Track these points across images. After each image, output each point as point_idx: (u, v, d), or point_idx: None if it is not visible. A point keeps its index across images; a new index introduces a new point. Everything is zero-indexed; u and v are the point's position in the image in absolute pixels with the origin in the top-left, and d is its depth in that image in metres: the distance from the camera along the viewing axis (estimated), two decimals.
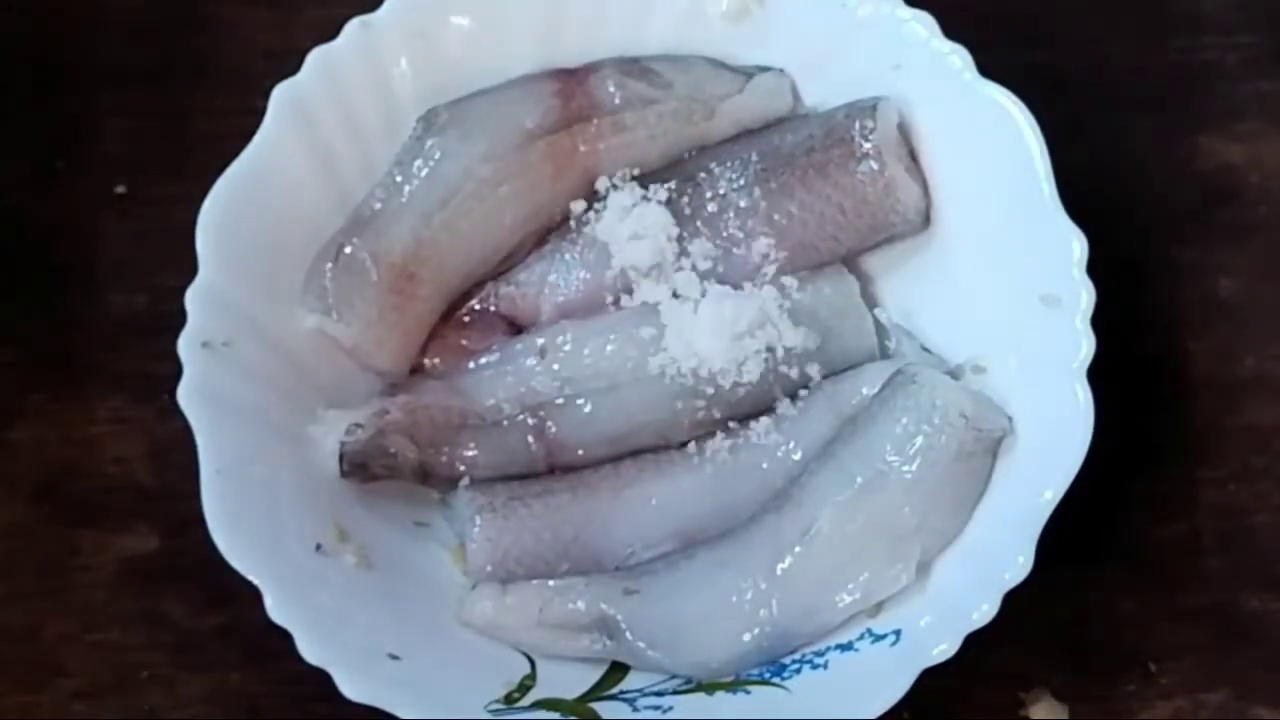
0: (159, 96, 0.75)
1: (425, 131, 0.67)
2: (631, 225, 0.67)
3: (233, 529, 0.61)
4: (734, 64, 0.69)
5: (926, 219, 0.67)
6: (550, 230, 0.69)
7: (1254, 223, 0.73)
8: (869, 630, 0.62)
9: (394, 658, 0.61)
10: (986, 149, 0.65)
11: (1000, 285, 0.65)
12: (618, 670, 0.64)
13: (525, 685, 0.63)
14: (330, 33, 0.67)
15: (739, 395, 0.66)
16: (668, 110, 0.68)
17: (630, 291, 0.67)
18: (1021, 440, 0.63)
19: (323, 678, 0.59)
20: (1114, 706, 0.67)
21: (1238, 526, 0.69)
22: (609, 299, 0.67)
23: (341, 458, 0.64)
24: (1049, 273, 0.63)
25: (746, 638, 0.62)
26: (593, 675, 0.63)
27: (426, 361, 0.68)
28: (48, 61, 0.76)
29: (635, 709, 0.62)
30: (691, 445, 0.66)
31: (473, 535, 0.65)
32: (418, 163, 0.67)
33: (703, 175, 0.67)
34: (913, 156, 0.67)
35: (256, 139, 0.66)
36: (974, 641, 0.60)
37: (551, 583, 0.64)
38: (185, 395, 0.62)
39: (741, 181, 0.67)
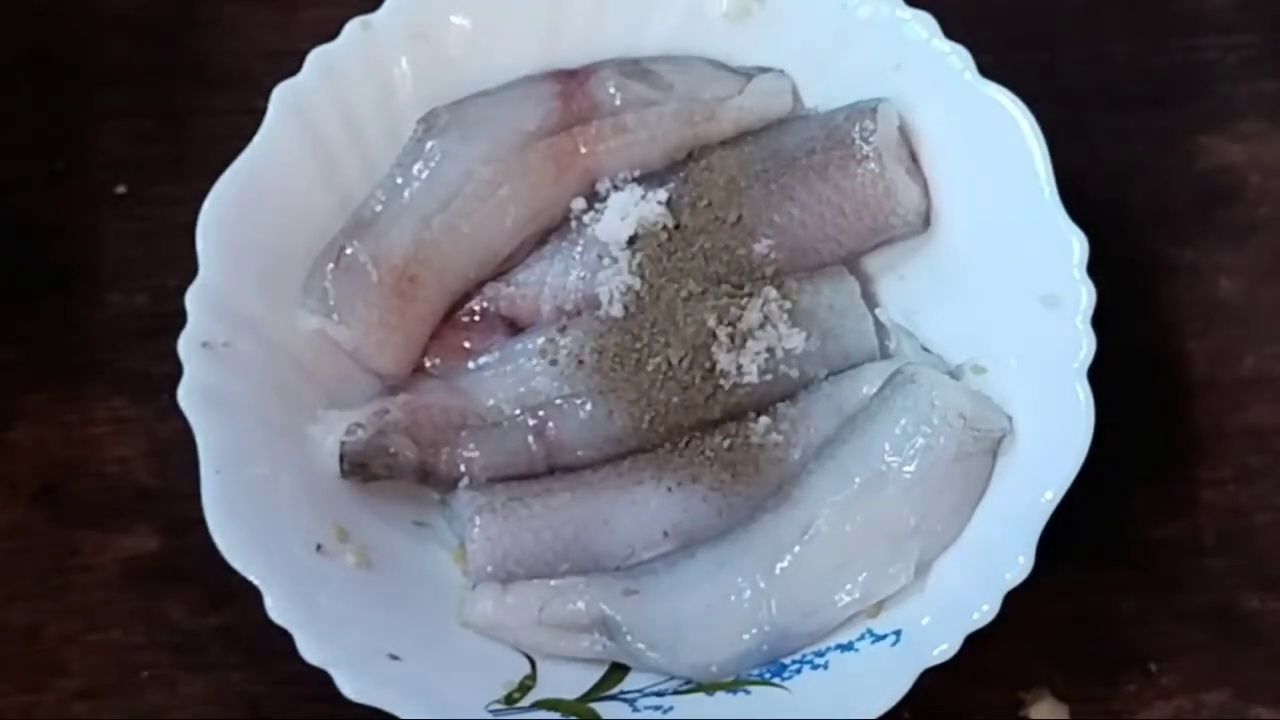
0: (159, 96, 0.75)
1: (426, 133, 0.67)
2: (632, 226, 0.67)
3: (233, 529, 0.61)
4: (734, 65, 0.69)
5: (926, 221, 0.67)
6: (550, 231, 0.69)
7: (1254, 223, 0.74)
8: (869, 630, 0.62)
9: (394, 658, 0.61)
10: (987, 149, 0.65)
11: (1000, 285, 0.65)
12: (618, 670, 0.64)
13: (525, 685, 0.63)
14: (330, 33, 0.67)
15: (739, 395, 0.66)
16: (668, 111, 0.68)
17: (629, 291, 0.67)
18: (1021, 440, 0.63)
19: (323, 678, 0.59)
20: (1114, 706, 0.67)
21: (1238, 526, 0.69)
22: (608, 299, 0.67)
23: (342, 458, 0.64)
24: (1049, 273, 0.63)
25: (746, 638, 0.62)
26: (593, 675, 0.64)
27: (427, 362, 0.68)
28: (48, 61, 0.76)
29: (635, 709, 0.62)
30: (692, 445, 0.66)
31: (473, 536, 0.64)
32: (418, 164, 0.67)
33: (703, 176, 0.67)
34: (913, 157, 0.67)
35: (256, 139, 0.66)
36: (974, 641, 0.60)
37: (552, 583, 0.64)
38: (185, 395, 0.62)
39: (742, 183, 0.67)
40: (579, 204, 0.68)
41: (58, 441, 0.70)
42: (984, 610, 0.60)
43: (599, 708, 0.62)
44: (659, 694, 0.63)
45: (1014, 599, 0.60)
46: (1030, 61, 0.73)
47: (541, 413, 0.66)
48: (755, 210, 0.67)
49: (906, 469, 0.62)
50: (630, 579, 0.64)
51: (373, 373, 0.67)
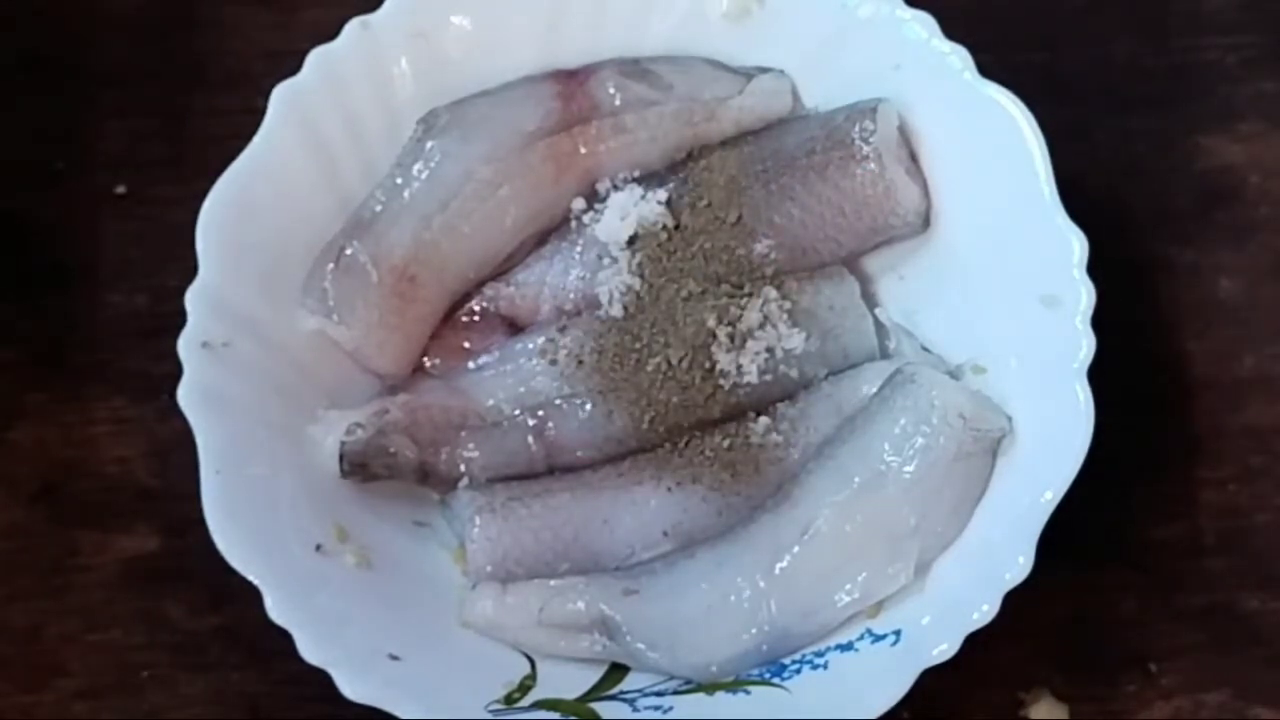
0: (159, 96, 0.76)
1: (426, 133, 0.67)
2: (632, 226, 0.67)
3: (233, 529, 0.61)
4: (734, 65, 0.69)
5: (926, 221, 0.67)
6: (550, 231, 0.69)
7: (1254, 223, 0.74)
8: (869, 630, 0.62)
9: (394, 658, 0.61)
10: (986, 149, 0.65)
11: (1000, 285, 0.65)
12: (618, 670, 0.64)
13: (525, 685, 0.63)
14: (330, 33, 0.68)
15: (739, 395, 0.66)
16: (668, 112, 0.68)
17: (629, 291, 0.67)
18: (1021, 440, 0.63)
19: (323, 678, 0.59)
20: (1114, 706, 0.67)
21: (1238, 526, 0.69)
22: (608, 299, 0.67)
23: (341, 458, 0.64)
24: (1049, 273, 0.63)
25: (746, 638, 0.62)
26: (593, 675, 0.64)
27: (426, 362, 0.68)
28: (48, 61, 0.76)
29: (635, 709, 0.62)
30: (692, 445, 0.66)
31: (472, 536, 0.64)
32: (418, 165, 0.67)
33: (703, 176, 0.67)
34: (913, 157, 0.67)
35: (256, 139, 0.66)
36: (974, 641, 0.60)
37: (552, 583, 0.64)
38: (185, 395, 0.62)
39: (742, 183, 0.67)
40: (579, 204, 0.68)
41: (58, 441, 0.70)
42: (984, 610, 0.60)
43: (599, 708, 0.62)
44: (659, 694, 0.63)
45: (1014, 599, 0.60)
46: (1030, 61, 0.73)
47: (541, 413, 0.66)
48: (755, 210, 0.67)
49: (906, 469, 0.62)
50: (630, 579, 0.64)
51: (373, 373, 0.67)
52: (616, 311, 0.66)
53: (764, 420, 0.66)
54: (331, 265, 0.66)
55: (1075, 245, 0.63)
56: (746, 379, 0.66)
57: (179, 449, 0.63)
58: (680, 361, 0.65)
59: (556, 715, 0.62)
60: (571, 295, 0.68)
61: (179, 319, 0.63)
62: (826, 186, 0.66)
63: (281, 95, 0.66)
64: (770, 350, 0.66)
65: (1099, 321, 0.62)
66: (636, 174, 0.68)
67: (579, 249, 0.68)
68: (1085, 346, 0.62)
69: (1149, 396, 0.71)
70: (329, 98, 0.67)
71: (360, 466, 0.65)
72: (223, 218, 0.65)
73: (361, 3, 0.68)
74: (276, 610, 0.60)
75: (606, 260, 0.67)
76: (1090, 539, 0.68)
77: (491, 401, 0.66)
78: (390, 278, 0.66)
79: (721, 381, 0.65)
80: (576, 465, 0.66)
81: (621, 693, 0.63)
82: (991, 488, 0.63)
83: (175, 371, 0.63)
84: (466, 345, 0.68)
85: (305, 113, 0.67)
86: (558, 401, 0.66)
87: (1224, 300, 0.72)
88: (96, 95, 0.76)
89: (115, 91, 0.76)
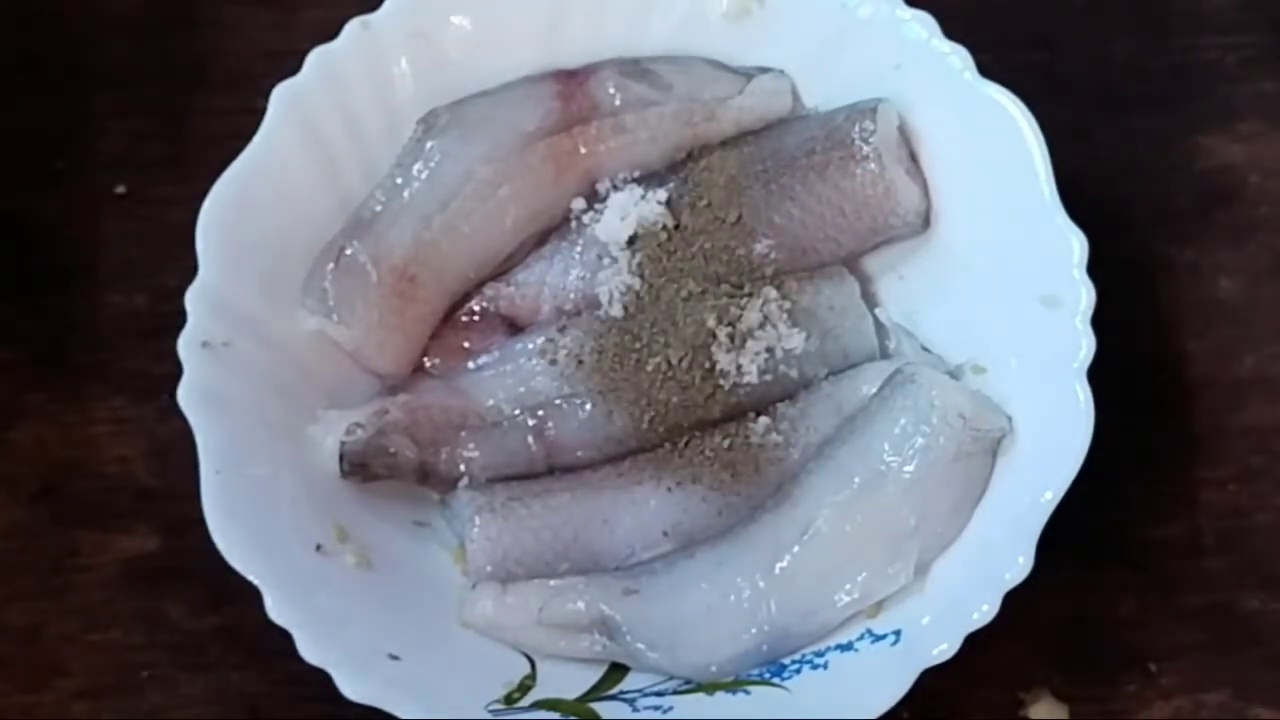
0: (159, 96, 0.76)
1: (425, 133, 0.67)
2: (632, 226, 0.67)
3: (233, 529, 0.61)
4: (734, 65, 0.69)
5: (926, 221, 0.67)
6: (550, 231, 0.69)
7: (1254, 223, 0.74)
8: (869, 630, 0.62)
9: (394, 658, 0.61)
10: (986, 149, 0.65)
11: (1000, 285, 0.65)
12: (618, 670, 0.64)
13: (525, 685, 0.63)
14: (330, 33, 0.68)
15: (739, 395, 0.66)
16: (668, 112, 0.68)
17: (629, 291, 0.67)
18: (1021, 440, 0.63)
19: (323, 678, 0.59)
20: (1114, 706, 0.67)
21: (1238, 526, 0.69)
22: (608, 299, 0.67)
23: (341, 458, 0.64)
24: (1049, 273, 0.63)
25: (745, 638, 0.62)
26: (593, 675, 0.64)
27: (426, 362, 0.68)
28: (48, 61, 0.76)
29: (635, 709, 0.62)
30: (692, 445, 0.66)
31: (472, 536, 0.65)
32: (418, 165, 0.67)
33: (703, 176, 0.67)
34: (913, 157, 0.67)
35: (256, 139, 0.66)
36: (974, 641, 0.60)
37: (551, 583, 0.64)
38: (185, 395, 0.62)
39: (742, 183, 0.67)
40: (579, 204, 0.68)
41: (58, 441, 0.70)
42: (984, 610, 0.60)
43: (599, 708, 0.62)
44: (659, 694, 0.63)
45: (1014, 599, 0.60)
46: (1030, 61, 0.73)
47: (541, 413, 0.66)
48: (755, 210, 0.67)
49: (906, 469, 0.62)
50: (630, 579, 0.64)
51: (373, 373, 0.67)
52: (616, 311, 0.66)
53: (764, 420, 0.66)
54: (331, 265, 0.66)
55: (1075, 245, 0.63)
56: (746, 379, 0.66)
57: (179, 449, 0.63)
58: (680, 361, 0.65)
59: (556, 715, 0.62)
60: (571, 295, 0.68)
61: (179, 319, 0.63)
62: (826, 186, 0.67)
63: (281, 95, 0.66)
64: (770, 350, 0.66)
65: (1099, 321, 0.62)
66: (636, 174, 0.68)
67: (579, 249, 0.68)
68: (1085, 346, 0.62)
69: (1149, 396, 0.71)
70: (329, 98, 0.67)
71: (360, 466, 0.65)
72: (223, 218, 0.65)
73: (361, 3, 0.68)
74: (276, 610, 0.60)
75: (606, 260, 0.67)
76: (1090, 539, 0.68)
77: (491, 401, 0.66)
78: (390, 278, 0.66)
79: (721, 381, 0.65)
80: (576, 465, 0.66)
81: (621, 693, 0.63)
82: (991, 488, 0.63)
83: (175, 371, 0.63)
84: (466, 345, 0.68)
85: (305, 113, 0.67)
86: (558, 401, 0.66)
87: (1224, 300, 0.72)
88: (96, 95, 0.76)
89: (115, 91, 0.76)
